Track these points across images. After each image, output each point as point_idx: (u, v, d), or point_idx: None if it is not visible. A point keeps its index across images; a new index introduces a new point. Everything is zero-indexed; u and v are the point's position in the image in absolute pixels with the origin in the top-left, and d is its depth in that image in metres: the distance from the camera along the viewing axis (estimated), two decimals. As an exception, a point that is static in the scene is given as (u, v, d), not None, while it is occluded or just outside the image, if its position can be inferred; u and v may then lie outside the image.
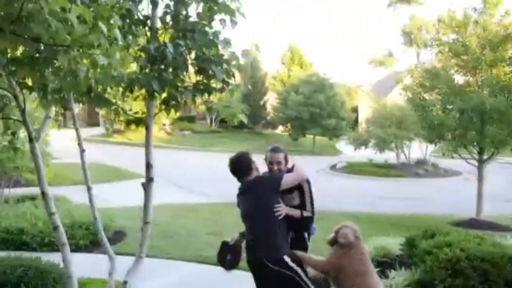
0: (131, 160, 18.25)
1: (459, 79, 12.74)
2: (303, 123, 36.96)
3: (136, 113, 3.65)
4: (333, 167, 25.25)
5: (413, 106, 13.24)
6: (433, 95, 12.61)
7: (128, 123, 3.51)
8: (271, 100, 45.78)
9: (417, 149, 25.14)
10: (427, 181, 21.33)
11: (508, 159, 26.80)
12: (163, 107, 3.41)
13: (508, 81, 11.72)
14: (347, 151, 31.70)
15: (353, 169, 24.03)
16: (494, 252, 5.39)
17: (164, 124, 44.94)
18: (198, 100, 3.49)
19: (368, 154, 25.56)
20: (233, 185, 4.08)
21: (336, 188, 18.59)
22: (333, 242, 4.06)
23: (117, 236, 8.36)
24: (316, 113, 35.79)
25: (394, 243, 7.14)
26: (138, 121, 3.46)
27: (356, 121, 40.61)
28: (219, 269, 7.01)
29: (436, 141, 13.65)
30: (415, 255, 6.31)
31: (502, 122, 11.59)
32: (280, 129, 47.28)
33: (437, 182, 21.30)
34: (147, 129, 3.40)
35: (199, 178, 19.91)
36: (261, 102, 47.75)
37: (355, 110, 47.60)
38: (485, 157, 12.36)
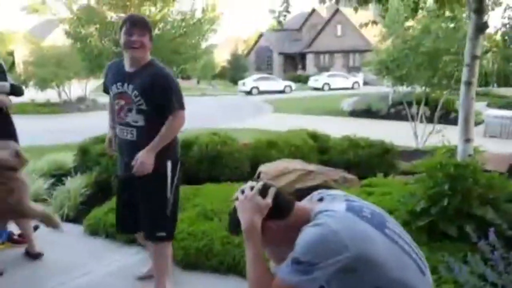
0: None
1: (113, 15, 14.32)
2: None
3: None
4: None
5: (74, 39, 14.35)
6: (91, 28, 13.95)
7: None
8: None
9: (78, 88, 26.88)
10: (90, 114, 22.88)
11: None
12: None
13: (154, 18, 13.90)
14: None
15: (15, 110, 23.30)
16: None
17: None
18: None
19: (31, 95, 25.18)
20: None
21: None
22: None
23: None
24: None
25: (66, 156, 7.44)
26: None
27: (13, 64, 38.80)
28: None
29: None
30: (89, 160, 6.59)
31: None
32: None
33: (99, 114, 22.95)
34: None
35: None
36: None
37: (11, 54, 45.58)
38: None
